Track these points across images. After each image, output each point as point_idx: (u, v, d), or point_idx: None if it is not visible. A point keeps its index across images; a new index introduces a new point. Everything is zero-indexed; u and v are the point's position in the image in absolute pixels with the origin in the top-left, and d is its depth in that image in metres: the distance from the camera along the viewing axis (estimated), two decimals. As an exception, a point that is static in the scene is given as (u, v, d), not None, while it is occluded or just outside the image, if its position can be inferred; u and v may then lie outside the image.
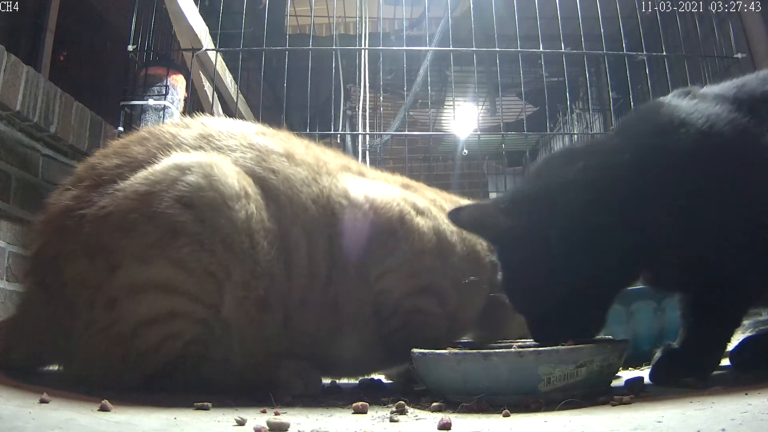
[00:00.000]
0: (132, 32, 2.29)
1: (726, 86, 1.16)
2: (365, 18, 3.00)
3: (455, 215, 1.22)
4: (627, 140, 1.12)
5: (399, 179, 1.49)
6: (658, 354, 1.14)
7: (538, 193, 1.12)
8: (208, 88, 2.42)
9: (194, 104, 2.47)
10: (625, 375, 1.26)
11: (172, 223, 1.09)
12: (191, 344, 1.11)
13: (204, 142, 1.23)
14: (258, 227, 1.17)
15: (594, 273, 1.05)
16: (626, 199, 1.05)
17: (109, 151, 1.23)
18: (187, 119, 1.33)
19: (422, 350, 1.03)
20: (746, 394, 0.85)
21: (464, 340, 1.53)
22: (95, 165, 1.18)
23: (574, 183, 1.08)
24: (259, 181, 1.22)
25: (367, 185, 1.35)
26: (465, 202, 1.50)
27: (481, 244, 1.41)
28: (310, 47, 2.52)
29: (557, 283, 1.06)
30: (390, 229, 1.31)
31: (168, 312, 1.08)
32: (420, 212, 1.36)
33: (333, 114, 3.36)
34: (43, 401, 0.88)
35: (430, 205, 1.41)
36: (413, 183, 1.50)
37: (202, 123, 1.29)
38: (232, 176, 1.16)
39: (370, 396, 1.10)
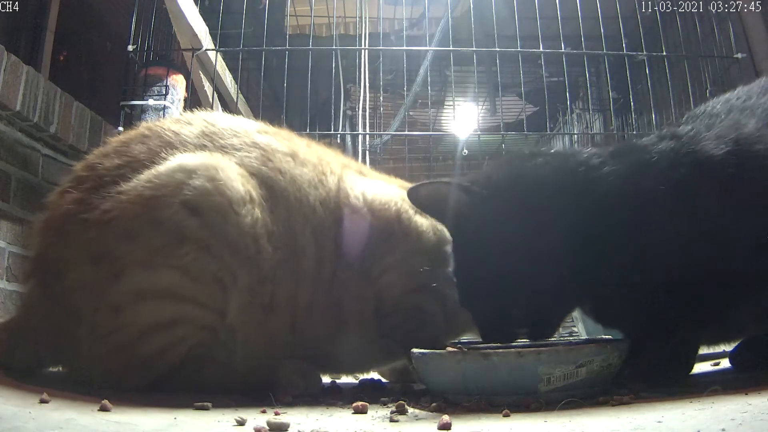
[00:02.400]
0: (132, 32, 2.28)
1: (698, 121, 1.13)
2: (365, 18, 3.00)
3: (414, 193, 1.15)
4: (610, 163, 1.08)
5: (395, 181, 1.49)
6: None
7: (502, 180, 1.09)
8: (208, 88, 2.42)
9: (194, 104, 2.46)
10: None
11: (178, 229, 1.07)
12: (195, 348, 1.10)
13: (207, 141, 1.20)
14: (262, 232, 1.16)
15: (538, 275, 1.02)
16: (580, 218, 1.03)
17: (109, 149, 1.20)
18: (189, 115, 1.30)
19: (422, 350, 1.03)
20: (746, 394, 0.85)
21: (464, 339, 1.53)
22: (95, 165, 1.16)
23: (544, 179, 1.06)
24: (265, 181, 1.20)
25: (366, 185, 1.35)
26: None
27: None
28: (310, 47, 2.51)
29: (504, 277, 1.03)
30: (389, 229, 1.31)
31: (173, 318, 1.07)
32: (418, 211, 1.36)
33: (333, 114, 3.35)
34: (43, 401, 0.88)
35: None
36: (407, 184, 1.50)
37: (204, 120, 1.26)
38: (237, 180, 1.14)
39: (370, 396, 1.10)
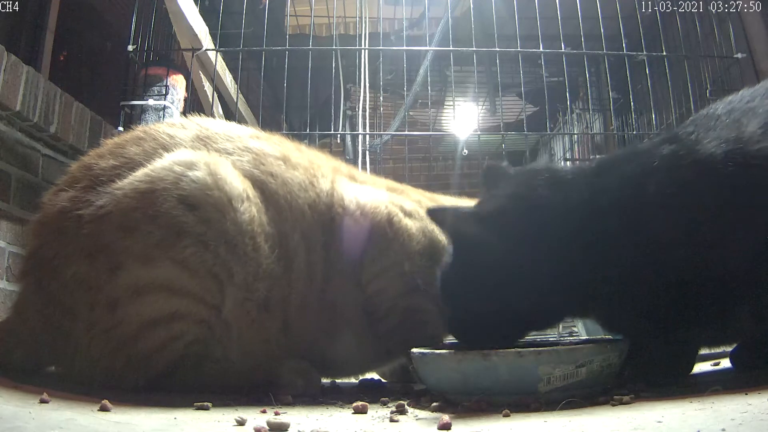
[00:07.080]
0: (132, 32, 2.28)
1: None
2: (365, 18, 3.00)
3: (437, 215, 1.22)
4: (601, 179, 1.09)
5: (384, 182, 1.50)
6: None
7: (506, 206, 1.10)
8: (208, 88, 2.42)
9: (194, 104, 2.47)
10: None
11: (176, 223, 1.07)
12: (193, 344, 1.10)
13: (201, 144, 1.22)
14: (259, 230, 1.17)
15: (530, 294, 1.04)
16: (576, 234, 1.04)
17: (104, 151, 1.21)
18: (183, 120, 1.32)
19: (422, 350, 1.03)
20: (746, 394, 0.85)
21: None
22: (91, 165, 1.17)
23: (537, 206, 1.07)
24: (258, 184, 1.22)
25: (356, 190, 1.36)
26: (445, 200, 1.51)
27: None
28: (310, 47, 2.51)
29: (500, 295, 1.05)
30: (380, 232, 1.32)
31: (171, 313, 1.07)
32: (408, 214, 1.37)
33: (333, 114, 3.35)
34: (43, 401, 0.88)
35: (417, 207, 1.42)
36: (398, 186, 1.51)
37: (198, 124, 1.28)
38: (235, 177, 1.16)
39: (370, 396, 1.10)
